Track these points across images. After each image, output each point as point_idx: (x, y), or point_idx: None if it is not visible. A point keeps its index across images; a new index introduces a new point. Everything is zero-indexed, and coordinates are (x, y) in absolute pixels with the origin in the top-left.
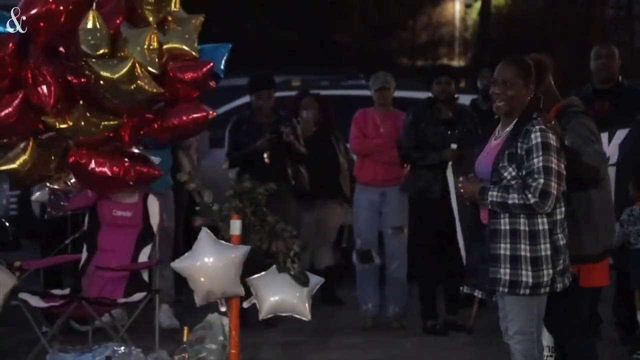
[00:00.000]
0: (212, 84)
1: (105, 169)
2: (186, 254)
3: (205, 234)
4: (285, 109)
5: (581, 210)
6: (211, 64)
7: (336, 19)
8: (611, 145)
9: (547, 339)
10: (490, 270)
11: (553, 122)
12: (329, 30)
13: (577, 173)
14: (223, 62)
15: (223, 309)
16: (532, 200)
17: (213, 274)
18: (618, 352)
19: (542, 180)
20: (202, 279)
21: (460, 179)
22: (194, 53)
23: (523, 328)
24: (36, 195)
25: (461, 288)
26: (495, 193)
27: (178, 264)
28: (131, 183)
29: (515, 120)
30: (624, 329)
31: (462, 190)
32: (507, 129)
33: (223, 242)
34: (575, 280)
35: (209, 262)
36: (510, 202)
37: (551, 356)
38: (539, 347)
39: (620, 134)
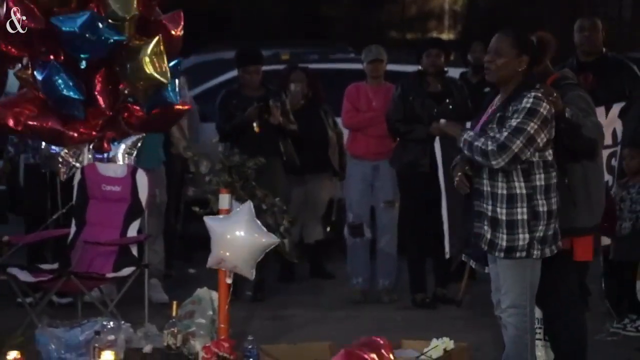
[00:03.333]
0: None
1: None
2: (223, 216)
3: (248, 206)
4: (274, 83)
5: (577, 183)
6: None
7: None
8: (610, 118)
9: (537, 312)
10: (475, 225)
11: (555, 94)
12: (318, 3)
13: (577, 146)
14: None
15: (229, 280)
16: (489, 148)
17: (236, 247)
18: (605, 323)
19: (506, 134)
20: (223, 245)
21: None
22: None
23: (516, 301)
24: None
25: (454, 258)
26: (471, 134)
27: (211, 222)
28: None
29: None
30: (611, 301)
31: (446, 125)
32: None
33: (259, 223)
34: (567, 253)
35: (238, 234)
36: (475, 143)
37: (540, 328)
38: (532, 320)
39: (616, 108)
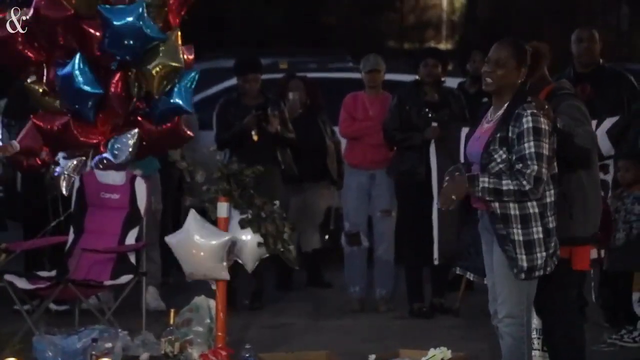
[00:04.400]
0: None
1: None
2: (178, 231)
3: (192, 215)
4: (272, 92)
5: (573, 192)
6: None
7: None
8: (598, 132)
9: (535, 322)
10: (506, 249)
11: (547, 107)
12: (316, 10)
13: (570, 155)
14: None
15: (214, 287)
16: (527, 187)
17: (195, 255)
18: (602, 333)
19: (535, 167)
20: (186, 258)
21: (446, 178)
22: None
23: (513, 311)
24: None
25: (453, 269)
26: (487, 179)
27: (169, 239)
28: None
29: (507, 104)
30: (608, 311)
31: (451, 193)
32: (499, 112)
33: (211, 226)
34: (566, 263)
35: (192, 244)
36: (504, 188)
37: (538, 338)
38: (528, 330)
39: (608, 122)
